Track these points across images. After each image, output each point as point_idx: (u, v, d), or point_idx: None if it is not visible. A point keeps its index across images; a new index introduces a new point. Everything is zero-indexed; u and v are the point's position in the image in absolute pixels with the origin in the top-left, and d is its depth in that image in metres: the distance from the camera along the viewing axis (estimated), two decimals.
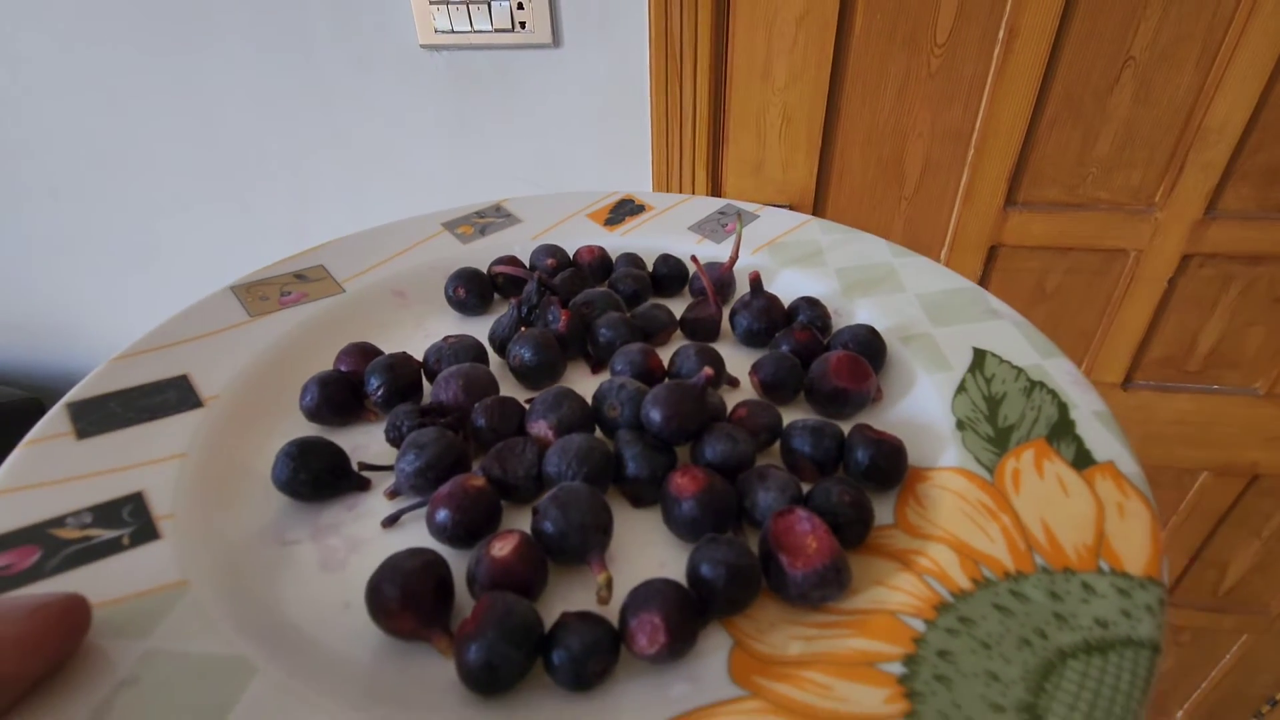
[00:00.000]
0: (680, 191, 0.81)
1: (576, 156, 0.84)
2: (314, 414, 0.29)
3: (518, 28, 0.75)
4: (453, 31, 0.76)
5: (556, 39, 0.76)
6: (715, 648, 0.20)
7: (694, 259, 0.33)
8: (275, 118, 0.86)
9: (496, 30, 0.75)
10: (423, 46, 0.78)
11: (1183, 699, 1.23)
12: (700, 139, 0.77)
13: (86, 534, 0.22)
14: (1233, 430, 0.89)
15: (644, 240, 0.42)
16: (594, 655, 0.19)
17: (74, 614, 0.18)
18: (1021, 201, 0.77)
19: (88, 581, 0.20)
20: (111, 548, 0.21)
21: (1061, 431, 0.25)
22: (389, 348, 0.33)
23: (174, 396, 0.28)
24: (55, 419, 0.26)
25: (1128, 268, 0.79)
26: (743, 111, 0.77)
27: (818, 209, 0.82)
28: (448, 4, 0.74)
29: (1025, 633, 0.18)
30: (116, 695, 0.17)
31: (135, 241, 1.00)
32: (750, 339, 0.34)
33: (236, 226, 0.97)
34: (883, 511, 0.24)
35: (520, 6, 0.74)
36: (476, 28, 0.75)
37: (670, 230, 0.42)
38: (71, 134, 0.91)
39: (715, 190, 0.83)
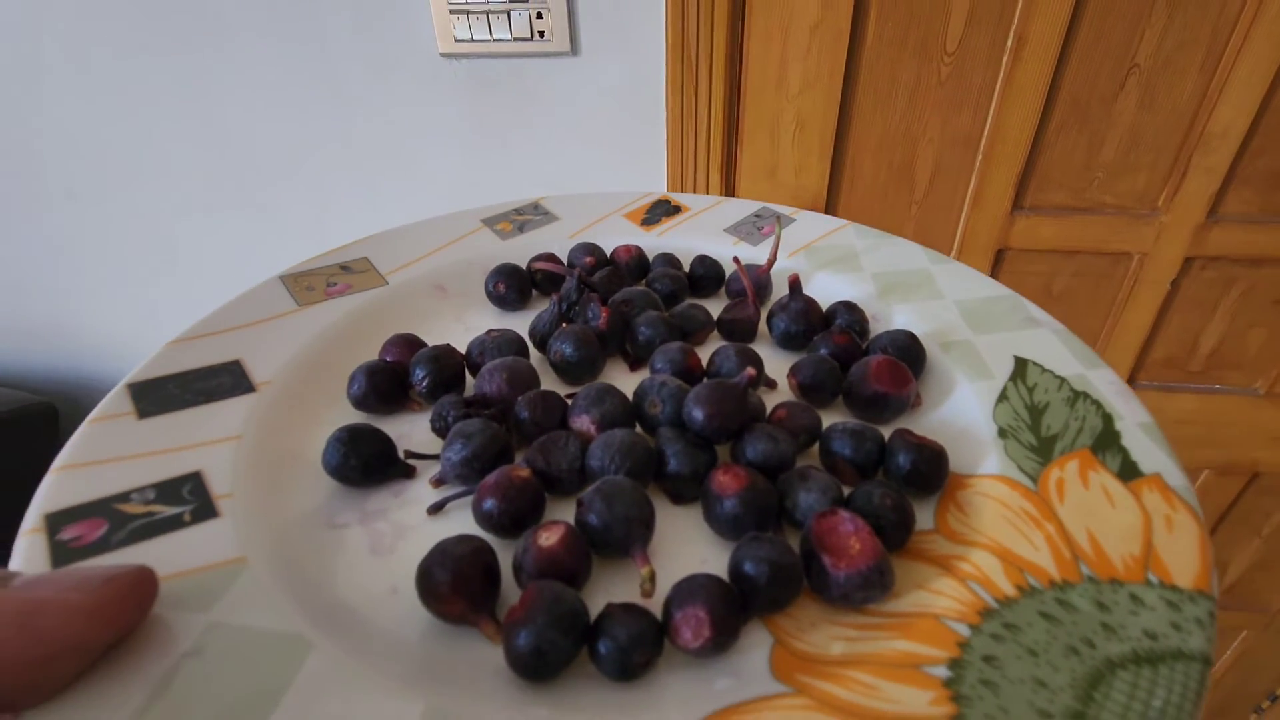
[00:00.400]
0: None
1: (593, 161, 0.85)
2: (361, 402, 0.29)
3: (536, 37, 0.76)
4: (472, 40, 0.77)
5: (575, 47, 0.77)
6: (756, 645, 0.20)
7: (736, 260, 0.34)
8: (294, 123, 0.87)
9: (516, 39, 0.76)
10: (443, 55, 0.79)
11: None
12: (715, 144, 0.78)
13: (150, 510, 0.22)
14: (1234, 430, 0.90)
15: (680, 241, 0.42)
16: (639, 646, 0.19)
17: (143, 586, 0.18)
18: (1029, 206, 0.78)
19: (152, 555, 0.21)
20: (174, 524, 0.22)
21: (1107, 443, 0.25)
22: (430, 340, 0.34)
23: (228, 381, 0.29)
24: (117, 398, 0.27)
25: (1132, 270, 0.81)
26: (757, 117, 0.78)
27: (830, 213, 0.82)
28: (468, 13, 0.76)
29: (1072, 641, 0.18)
30: (181, 665, 0.18)
31: (152, 244, 1.00)
32: (787, 341, 0.34)
33: (254, 230, 0.97)
34: (923, 517, 0.24)
35: (539, 16, 0.75)
36: (496, 36, 0.76)
37: (706, 232, 0.43)
38: (89, 137, 0.91)
39: (729, 193, 0.83)
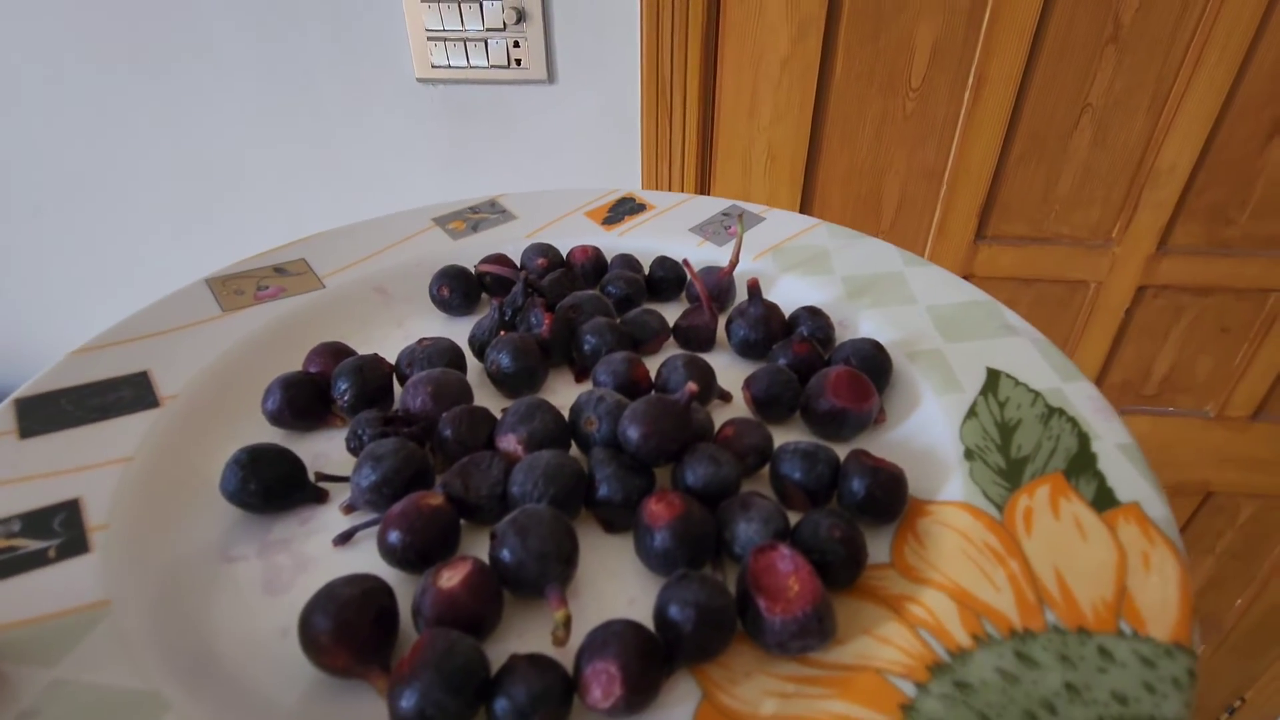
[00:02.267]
0: None
1: (569, 187, 0.86)
2: (277, 418, 0.27)
3: (513, 64, 0.76)
4: (449, 66, 0.77)
5: (551, 75, 0.78)
6: (681, 699, 0.18)
7: (685, 262, 0.31)
8: (271, 147, 0.86)
9: (493, 66, 0.77)
10: (419, 80, 0.79)
11: None
12: (689, 173, 0.81)
13: (11, 544, 0.20)
14: (1186, 451, 0.94)
15: (642, 241, 0.40)
16: (541, 707, 0.17)
17: None
18: (990, 236, 0.83)
19: (2, 598, 0.19)
20: (34, 561, 0.20)
21: (1081, 466, 0.23)
22: (366, 348, 0.32)
23: (129, 394, 0.26)
24: (2, 415, 0.25)
25: (1088, 298, 0.85)
26: (729, 147, 0.81)
27: None
28: (445, 40, 0.75)
29: (1031, 705, 0.16)
30: None
31: (120, 263, 0.98)
32: (747, 350, 0.31)
33: (227, 251, 0.95)
34: (878, 548, 0.22)
35: (516, 45, 0.75)
36: (473, 63, 0.77)
37: (670, 231, 0.40)
38: (58, 153, 0.89)
39: None
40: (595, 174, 0.84)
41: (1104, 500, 0.21)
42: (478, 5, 0.74)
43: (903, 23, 0.71)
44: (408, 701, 0.16)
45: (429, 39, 0.76)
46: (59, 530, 0.21)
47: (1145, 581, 0.18)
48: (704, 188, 0.83)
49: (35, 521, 0.21)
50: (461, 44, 0.76)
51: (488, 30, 0.75)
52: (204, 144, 0.87)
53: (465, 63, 0.77)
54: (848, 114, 0.77)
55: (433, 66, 0.77)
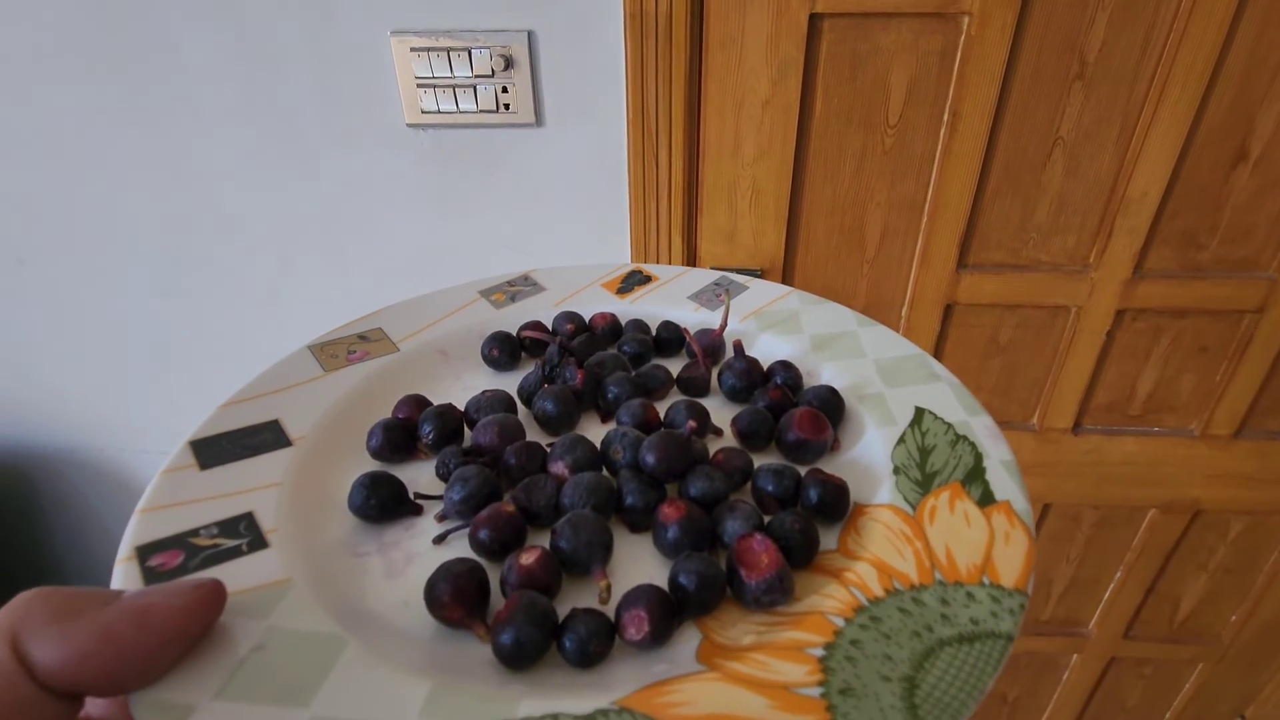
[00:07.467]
0: (657, 258, 0.90)
1: (558, 228, 0.89)
2: (378, 453, 0.36)
3: (502, 109, 0.81)
4: (439, 112, 0.81)
5: (539, 119, 0.82)
6: (688, 639, 0.26)
7: (685, 330, 0.40)
8: (259, 191, 0.88)
9: (481, 111, 0.81)
10: (409, 125, 0.83)
11: None
12: (676, 210, 0.85)
13: (215, 542, 0.29)
14: (1174, 469, 0.96)
15: (649, 307, 0.49)
16: (595, 639, 0.25)
17: (220, 592, 0.24)
18: (972, 264, 0.86)
19: (220, 577, 0.27)
20: (234, 553, 0.28)
21: (974, 477, 0.31)
22: (435, 399, 0.40)
23: (269, 437, 0.35)
24: (182, 453, 0.33)
25: (1070, 322, 0.88)
26: (715, 184, 0.85)
27: (787, 273, 0.90)
28: (434, 87, 0.80)
29: (918, 627, 0.24)
30: (250, 655, 0.24)
31: (105, 311, 0.99)
32: (734, 395, 0.40)
33: (215, 297, 0.98)
34: (831, 539, 0.31)
35: (504, 90, 0.80)
36: (462, 108, 0.81)
37: (672, 299, 0.49)
38: (42, 202, 0.90)
39: (690, 256, 0.90)
40: (585, 213, 0.87)
41: (986, 499, 0.30)
42: (466, 54, 0.76)
43: (878, 64, 0.75)
44: (507, 637, 0.25)
45: (418, 86, 0.80)
46: (244, 533, 0.29)
47: (1004, 552, 0.27)
48: (691, 225, 0.86)
49: (227, 527, 0.29)
50: (450, 90, 0.79)
51: (476, 76, 0.78)
52: (192, 191, 0.89)
53: (454, 108, 0.80)
54: (828, 150, 0.81)
55: (422, 112, 0.81)
